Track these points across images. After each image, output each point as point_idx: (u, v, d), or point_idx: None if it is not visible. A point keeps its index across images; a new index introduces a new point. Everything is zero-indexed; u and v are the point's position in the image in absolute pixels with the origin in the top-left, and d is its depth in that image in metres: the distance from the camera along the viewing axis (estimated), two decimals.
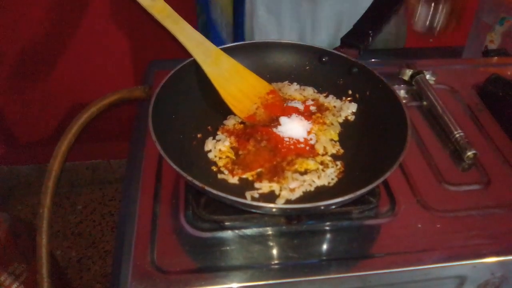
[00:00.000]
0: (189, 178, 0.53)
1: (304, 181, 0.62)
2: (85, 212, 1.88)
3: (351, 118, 0.73)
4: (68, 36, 1.52)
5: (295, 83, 0.78)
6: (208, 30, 1.09)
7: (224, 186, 0.62)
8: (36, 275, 0.61)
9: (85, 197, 1.94)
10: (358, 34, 0.79)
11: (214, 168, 0.64)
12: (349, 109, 0.74)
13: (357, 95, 0.75)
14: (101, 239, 1.77)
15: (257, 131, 0.68)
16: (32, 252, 1.07)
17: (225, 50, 0.75)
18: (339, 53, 0.75)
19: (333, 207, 0.56)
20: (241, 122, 0.71)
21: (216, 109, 0.73)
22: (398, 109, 0.65)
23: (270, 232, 0.59)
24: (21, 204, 1.91)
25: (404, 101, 0.65)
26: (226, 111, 0.73)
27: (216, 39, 1.08)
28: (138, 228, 0.59)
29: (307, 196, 0.61)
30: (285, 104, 0.73)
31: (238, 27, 1.04)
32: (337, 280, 0.55)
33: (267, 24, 1.00)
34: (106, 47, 1.57)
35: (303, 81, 0.79)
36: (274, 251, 0.57)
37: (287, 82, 0.79)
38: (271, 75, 0.78)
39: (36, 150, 1.80)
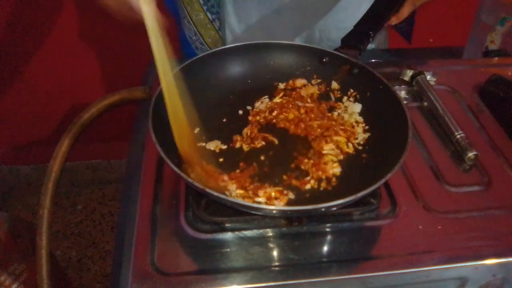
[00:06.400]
0: (189, 180, 0.53)
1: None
2: (85, 212, 1.88)
3: None
4: (68, 36, 1.52)
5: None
6: (182, 46, 1.05)
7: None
8: (36, 275, 0.61)
9: (85, 197, 1.94)
10: (358, 35, 0.78)
11: None
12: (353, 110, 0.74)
13: (357, 96, 0.75)
14: (101, 239, 1.77)
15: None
16: (32, 252, 1.07)
17: (226, 50, 0.75)
18: (339, 53, 0.75)
19: (334, 208, 0.56)
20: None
21: (216, 110, 0.73)
22: (399, 110, 0.64)
23: (270, 234, 0.59)
24: (21, 204, 1.90)
25: (404, 101, 0.65)
26: (226, 112, 0.72)
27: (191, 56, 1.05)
28: (138, 229, 0.59)
29: (308, 198, 0.61)
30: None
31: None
32: (338, 282, 0.55)
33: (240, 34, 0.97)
34: (106, 47, 1.57)
35: None
36: (275, 253, 0.57)
37: None
38: (271, 76, 0.78)
39: (36, 150, 1.80)
